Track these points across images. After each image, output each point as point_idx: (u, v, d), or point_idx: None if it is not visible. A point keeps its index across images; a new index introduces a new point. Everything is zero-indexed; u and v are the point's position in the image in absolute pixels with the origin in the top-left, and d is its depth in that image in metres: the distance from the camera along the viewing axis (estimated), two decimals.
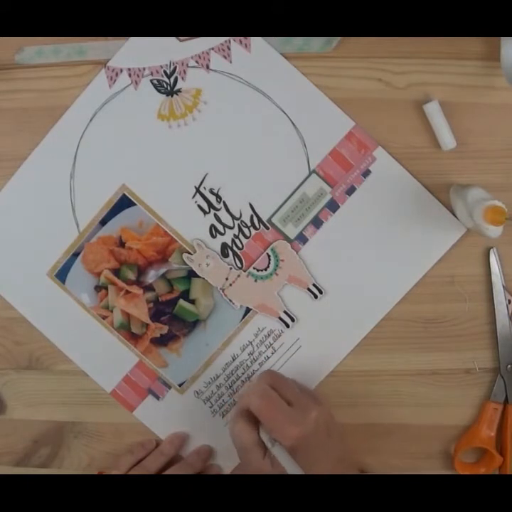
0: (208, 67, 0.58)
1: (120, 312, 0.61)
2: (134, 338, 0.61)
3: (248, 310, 0.60)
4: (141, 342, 0.61)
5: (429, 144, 0.57)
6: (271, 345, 0.61)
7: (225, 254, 0.60)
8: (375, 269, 0.59)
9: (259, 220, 0.59)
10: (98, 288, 0.61)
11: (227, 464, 0.62)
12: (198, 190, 0.59)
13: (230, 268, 0.60)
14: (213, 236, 0.60)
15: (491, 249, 0.58)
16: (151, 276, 0.60)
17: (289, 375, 0.59)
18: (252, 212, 0.59)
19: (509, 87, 0.53)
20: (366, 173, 0.58)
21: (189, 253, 0.60)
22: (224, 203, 0.59)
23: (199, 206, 0.59)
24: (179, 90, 0.58)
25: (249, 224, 0.59)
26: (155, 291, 0.60)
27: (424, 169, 0.58)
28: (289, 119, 0.58)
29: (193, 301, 0.60)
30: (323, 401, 0.56)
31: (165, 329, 0.61)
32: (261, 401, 0.53)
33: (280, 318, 0.60)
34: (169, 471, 0.59)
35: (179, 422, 0.62)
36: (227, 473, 0.62)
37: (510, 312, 0.59)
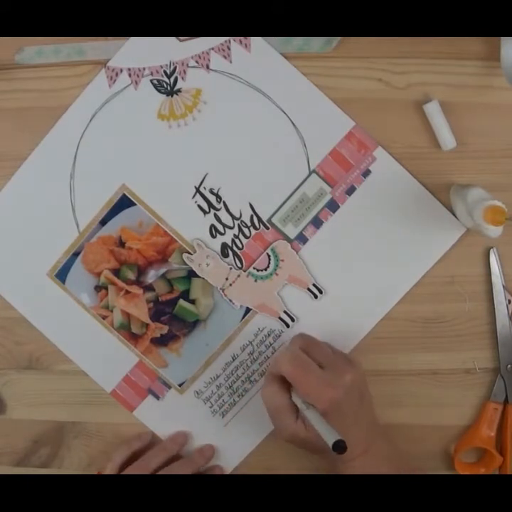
0: (207, 67, 0.58)
1: (120, 312, 0.61)
2: (134, 338, 0.61)
3: (248, 310, 0.60)
4: (141, 342, 0.61)
5: (429, 143, 0.57)
6: (271, 345, 0.61)
7: (225, 254, 0.60)
8: (375, 269, 0.59)
9: (259, 220, 0.59)
10: (98, 288, 0.61)
11: (228, 464, 0.62)
12: (198, 190, 0.59)
13: (230, 268, 0.60)
14: (213, 236, 0.60)
15: (491, 249, 0.58)
16: (151, 276, 0.60)
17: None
18: (252, 212, 0.59)
19: (509, 87, 0.53)
20: (366, 173, 0.58)
21: (189, 253, 0.60)
22: (224, 203, 0.59)
23: (199, 206, 0.59)
24: (179, 90, 0.58)
25: (249, 224, 0.59)
26: (155, 291, 0.60)
27: (424, 169, 0.58)
28: (289, 119, 0.58)
29: (193, 301, 0.60)
30: (357, 364, 0.55)
31: (165, 329, 0.61)
32: (293, 365, 0.52)
33: (280, 318, 0.60)
34: (171, 467, 0.59)
35: (179, 422, 0.62)
36: (228, 474, 0.62)
37: (510, 312, 0.59)
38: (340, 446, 0.45)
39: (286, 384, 0.53)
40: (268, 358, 0.61)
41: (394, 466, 0.53)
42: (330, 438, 0.46)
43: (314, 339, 0.56)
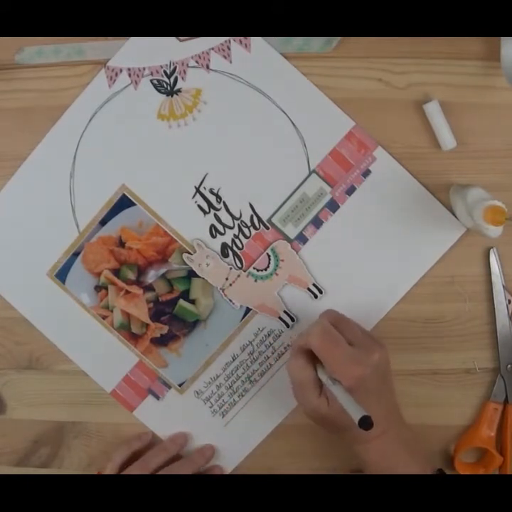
0: (208, 67, 0.58)
1: (120, 312, 0.61)
2: (134, 338, 0.61)
3: (248, 310, 0.60)
4: (141, 342, 0.61)
5: (429, 144, 0.57)
6: (271, 345, 0.61)
7: (225, 254, 0.60)
8: (375, 269, 0.59)
9: (259, 220, 0.59)
10: (98, 288, 0.61)
11: (228, 464, 0.62)
12: (198, 190, 0.59)
13: (230, 268, 0.60)
14: (213, 236, 0.60)
15: (491, 249, 0.58)
16: (151, 276, 0.60)
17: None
18: (252, 212, 0.59)
19: (509, 87, 0.53)
20: (366, 173, 0.58)
21: (189, 253, 0.60)
22: (224, 203, 0.59)
23: (199, 206, 0.59)
24: (179, 90, 0.58)
25: (249, 224, 0.59)
26: (155, 291, 0.60)
27: (424, 169, 0.58)
28: (289, 119, 0.58)
29: (193, 301, 0.60)
30: (384, 345, 0.54)
31: (165, 329, 0.61)
32: (322, 339, 0.51)
33: (280, 318, 0.60)
34: (171, 467, 0.59)
35: (179, 422, 0.62)
36: (228, 474, 0.62)
37: (510, 312, 0.59)
38: (366, 422, 0.44)
39: (312, 358, 0.52)
40: (268, 358, 0.61)
41: (410, 451, 0.53)
42: (357, 414, 0.45)
43: (344, 316, 0.56)
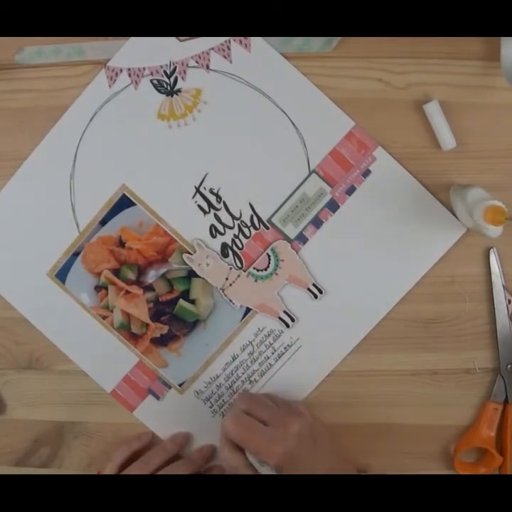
0: (208, 67, 0.58)
1: (120, 312, 0.61)
2: (134, 338, 0.61)
3: (248, 310, 0.60)
4: (141, 342, 0.61)
5: (429, 144, 0.57)
6: (271, 345, 0.61)
7: (225, 254, 0.60)
8: (375, 269, 0.59)
9: (259, 220, 0.59)
10: (98, 288, 0.61)
11: None
12: (198, 190, 0.59)
13: (230, 268, 0.60)
14: (213, 236, 0.60)
15: (491, 249, 0.58)
16: (151, 276, 0.60)
17: (289, 375, 0.59)
18: (252, 212, 0.59)
19: (509, 87, 0.53)
20: (366, 173, 0.58)
21: (189, 253, 0.60)
22: (224, 203, 0.59)
23: (199, 206, 0.59)
24: (179, 90, 0.58)
25: (249, 224, 0.59)
26: (155, 291, 0.60)
27: (424, 169, 0.58)
28: (289, 119, 0.58)
29: (193, 301, 0.60)
30: (303, 410, 0.56)
31: (165, 329, 0.61)
32: (236, 427, 0.54)
33: (280, 318, 0.60)
34: (171, 467, 0.59)
35: (179, 422, 0.62)
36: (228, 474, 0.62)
37: (510, 312, 0.59)
38: None
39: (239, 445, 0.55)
40: (268, 358, 0.61)
41: None
42: None
43: (255, 396, 0.58)
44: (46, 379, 0.62)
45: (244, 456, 0.54)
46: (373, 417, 0.61)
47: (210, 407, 0.62)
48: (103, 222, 0.60)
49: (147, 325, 0.61)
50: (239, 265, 0.60)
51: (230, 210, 0.59)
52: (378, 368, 0.60)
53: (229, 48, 0.57)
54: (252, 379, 0.61)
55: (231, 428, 0.54)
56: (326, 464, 0.54)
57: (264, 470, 0.53)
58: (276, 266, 0.59)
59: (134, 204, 0.59)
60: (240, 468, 0.54)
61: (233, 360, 0.61)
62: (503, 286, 0.59)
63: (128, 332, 0.61)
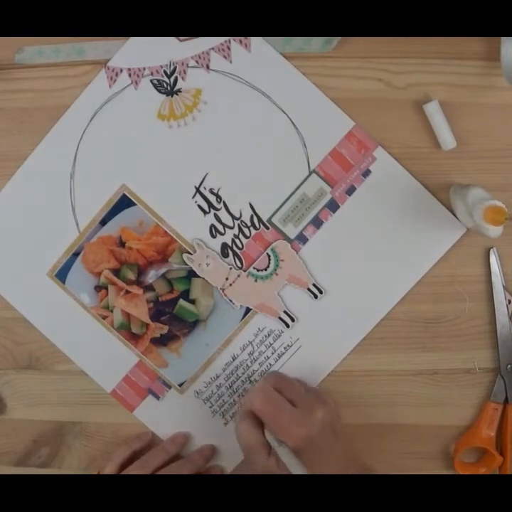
0: (208, 67, 0.58)
1: (120, 312, 0.61)
2: (134, 338, 0.61)
3: (248, 310, 0.60)
4: (141, 342, 0.61)
5: (429, 143, 0.57)
6: (271, 345, 0.61)
7: (225, 254, 0.60)
8: (375, 269, 0.59)
9: (259, 220, 0.59)
10: (98, 288, 0.61)
11: (228, 464, 0.62)
12: (198, 190, 0.59)
13: (230, 268, 0.60)
14: (213, 236, 0.60)
15: (491, 249, 0.58)
16: (151, 276, 0.60)
17: (290, 375, 0.59)
18: (252, 212, 0.59)
19: (509, 87, 0.53)
20: (366, 173, 0.58)
21: (189, 253, 0.60)
22: (224, 203, 0.59)
23: (199, 206, 0.59)
24: (179, 90, 0.58)
25: (249, 224, 0.59)
26: (155, 291, 0.60)
27: (424, 169, 0.58)
28: (289, 119, 0.58)
29: (193, 301, 0.60)
30: (329, 400, 0.56)
31: (165, 329, 0.61)
32: (264, 403, 0.53)
33: (280, 318, 0.60)
34: (171, 468, 0.59)
35: (179, 422, 0.62)
36: (228, 473, 0.62)
37: (510, 312, 0.59)
38: None
39: (259, 421, 0.54)
40: (268, 358, 0.61)
41: None
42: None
43: (286, 377, 0.57)
44: (46, 379, 0.62)
45: (262, 434, 0.54)
46: (373, 417, 0.61)
47: (210, 407, 0.62)
48: (103, 222, 0.60)
49: (147, 325, 0.61)
50: (239, 265, 0.60)
51: (230, 210, 0.59)
52: (378, 368, 0.60)
53: (229, 48, 0.57)
54: (252, 379, 0.61)
55: (258, 402, 0.53)
56: (340, 460, 0.54)
57: (281, 451, 0.52)
58: (276, 266, 0.59)
59: (134, 204, 0.59)
60: (255, 445, 0.53)
61: (233, 360, 0.61)
62: (503, 286, 0.59)
63: (128, 332, 0.61)
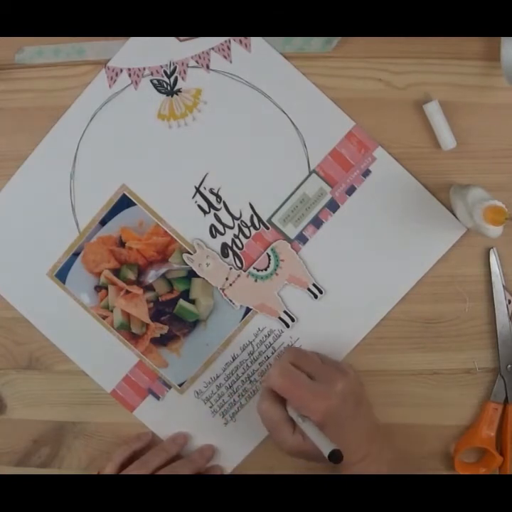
0: (208, 67, 0.58)
1: (120, 312, 0.61)
2: (134, 338, 0.61)
3: (248, 310, 0.60)
4: (141, 342, 0.61)
5: (429, 143, 0.57)
6: (271, 345, 0.61)
7: (225, 254, 0.60)
8: (375, 269, 0.59)
9: (259, 220, 0.59)
10: (98, 288, 0.61)
11: (228, 464, 0.62)
12: (198, 190, 0.59)
13: (230, 268, 0.60)
14: (213, 236, 0.60)
15: (491, 249, 0.58)
16: (151, 276, 0.60)
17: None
18: (252, 212, 0.59)
19: (509, 87, 0.53)
20: (366, 173, 0.58)
21: (189, 253, 0.60)
22: (224, 203, 0.59)
23: (199, 206, 0.59)
24: (179, 90, 0.58)
25: (249, 224, 0.59)
26: (155, 291, 0.60)
27: (424, 169, 0.58)
28: (289, 119, 0.58)
29: (193, 301, 0.60)
30: (349, 370, 0.55)
31: (165, 329, 0.61)
32: (282, 379, 0.52)
33: (280, 318, 0.60)
34: (171, 467, 0.59)
35: (179, 422, 0.62)
36: (228, 474, 0.62)
37: (510, 312, 0.59)
38: (336, 456, 0.46)
39: (280, 398, 0.54)
40: (268, 358, 0.61)
41: (394, 471, 0.53)
42: (325, 448, 0.46)
43: (303, 351, 0.57)
44: (46, 379, 0.62)
45: (285, 410, 0.53)
46: None
47: (210, 407, 0.62)
48: (103, 222, 0.60)
49: (147, 325, 0.61)
50: (239, 265, 0.60)
51: (230, 210, 0.59)
52: (378, 368, 0.60)
53: (229, 48, 0.57)
54: (252, 379, 0.61)
55: (277, 378, 0.53)
56: (364, 431, 0.53)
57: (306, 426, 0.50)
58: (276, 266, 0.59)
59: (134, 204, 0.59)
60: (279, 422, 0.53)
61: (233, 360, 0.61)
62: (503, 286, 0.59)
63: (128, 332, 0.61)
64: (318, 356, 0.57)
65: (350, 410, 0.52)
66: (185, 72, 0.58)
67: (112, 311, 0.61)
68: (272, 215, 0.59)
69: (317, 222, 0.59)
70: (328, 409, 0.51)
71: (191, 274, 0.60)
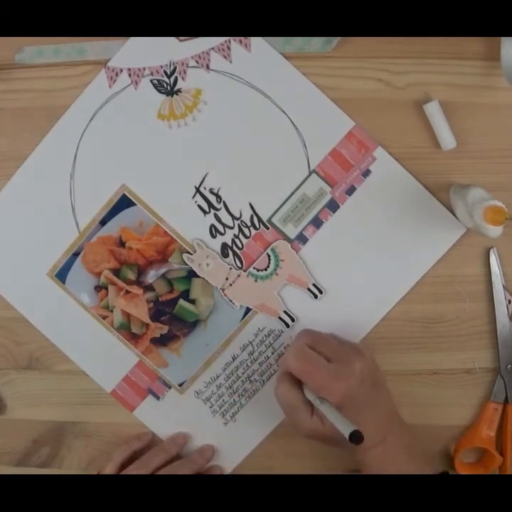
0: (208, 67, 0.58)
1: (120, 312, 0.61)
2: (134, 338, 0.61)
3: (248, 310, 0.60)
4: (141, 342, 0.61)
5: (429, 143, 0.57)
6: (271, 345, 0.61)
7: (225, 254, 0.60)
8: (375, 269, 0.59)
9: (259, 220, 0.59)
10: (98, 288, 0.61)
11: (228, 464, 0.62)
12: (198, 190, 0.59)
13: (230, 268, 0.60)
14: (213, 236, 0.60)
15: (491, 249, 0.58)
16: (151, 276, 0.60)
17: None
18: (252, 212, 0.59)
19: (509, 87, 0.53)
20: (366, 173, 0.58)
21: (189, 253, 0.60)
22: (224, 203, 0.59)
23: (199, 206, 0.59)
24: (179, 90, 0.58)
25: (249, 224, 0.59)
26: (155, 291, 0.61)
27: (424, 169, 0.58)
28: (289, 119, 0.58)
29: (193, 301, 0.60)
30: (366, 352, 0.55)
31: (165, 329, 0.61)
32: (299, 362, 0.52)
33: (280, 318, 0.60)
34: (171, 467, 0.59)
35: (179, 422, 0.62)
36: (228, 474, 0.62)
37: (510, 312, 0.59)
38: (356, 437, 0.45)
39: (297, 380, 0.53)
40: (268, 358, 0.61)
41: (411, 455, 0.53)
42: (346, 430, 0.45)
43: (319, 333, 0.56)
44: (46, 379, 0.62)
45: (302, 393, 0.52)
46: None
47: (210, 407, 0.62)
48: (103, 222, 0.60)
49: (147, 325, 0.61)
50: (239, 265, 0.60)
51: (230, 210, 0.59)
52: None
53: (229, 48, 0.57)
54: (252, 379, 0.61)
55: (294, 361, 0.52)
56: (383, 413, 0.53)
57: (324, 408, 0.49)
58: (276, 266, 0.59)
59: (134, 204, 0.60)
60: (297, 405, 0.52)
61: (233, 360, 0.61)
62: (503, 286, 0.59)
63: (128, 332, 0.61)
64: (334, 337, 0.56)
65: (369, 392, 0.52)
66: (185, 72, 0.58)
67: (112, 311, 0.61)
68: (272, 215, 0.59)
69: (317, 222, 0.59)
70: (347, 390, 0.50)
71: (191, 274, 0.60)
